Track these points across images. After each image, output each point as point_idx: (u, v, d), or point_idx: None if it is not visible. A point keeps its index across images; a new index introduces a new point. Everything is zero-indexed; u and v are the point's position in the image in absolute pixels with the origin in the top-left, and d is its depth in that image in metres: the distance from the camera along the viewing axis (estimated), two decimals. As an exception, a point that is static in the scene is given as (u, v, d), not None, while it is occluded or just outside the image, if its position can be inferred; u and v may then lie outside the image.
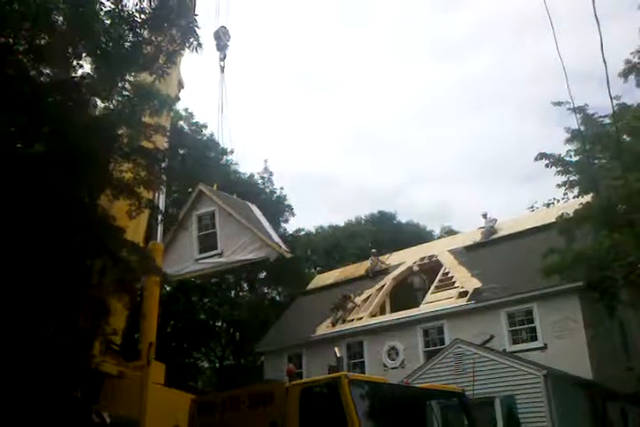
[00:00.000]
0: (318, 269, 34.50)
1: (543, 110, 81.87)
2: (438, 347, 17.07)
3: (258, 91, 77.66)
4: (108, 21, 9.17)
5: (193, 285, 26.15)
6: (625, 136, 13.18)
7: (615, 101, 12.43)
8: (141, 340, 12.59)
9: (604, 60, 7.12)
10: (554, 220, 14.73)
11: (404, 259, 22.19)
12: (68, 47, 9.12)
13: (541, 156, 13.92)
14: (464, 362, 14.33)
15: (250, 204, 18.75)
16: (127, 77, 9.93)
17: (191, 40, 9.35)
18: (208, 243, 16.62)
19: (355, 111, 76.77)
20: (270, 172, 31.66)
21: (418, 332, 18.18)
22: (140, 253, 10.95)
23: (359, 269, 23.83)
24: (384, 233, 36.47)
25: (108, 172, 9.95)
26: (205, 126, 29.16)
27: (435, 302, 18.40)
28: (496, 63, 76.24)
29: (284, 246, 16.30)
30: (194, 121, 29.13)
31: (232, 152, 28.48)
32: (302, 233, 35.10)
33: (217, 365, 31.75)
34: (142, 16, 9.13)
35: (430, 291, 19.11)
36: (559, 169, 13.81)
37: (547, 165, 13.89)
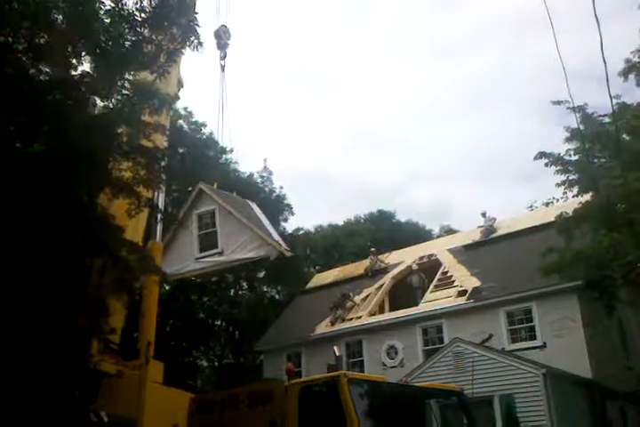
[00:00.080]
0: (317, 268, 34.51)
1: (543, 109, 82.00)
2: (437, 346, 17.08)
3: (257, 90, 77.71)
4: (107, 20, 9.16)
5: (192, 284, 26.13)
6: (624, 135, 13.18)
7: (615, 101, 12.46)
8: (140, 339, 12.58)
9: (604, 60, 7.13)
10: (553, 219, 14.74)
11: (404, 258, 22.20)
12: (67, 46, 9.11)
13: (541, 155, 13.93)
14: (463, 361, 14.34)
15: (250, 202, 18.72)
16: (127, 76, 9.93)
17: (192, 39, 9.34)
18: (208, 242, 16.59)
19: (354, 110, 76.85)
20: (270, 171, 31.69)
21: (417, 331, 18.20)
22: (140, 253, 10.95)
23: (358, 268, 23.84)
24: (383, 232, 36.49)
25: (108, 170, 9.95)
26: (205, 125, 29.19)
27: (434, 300, 18.42)
28: (496, 62, 76.33)
29: (284, 245, 16.27)
30: (193, 120, 29.15)
31: (231, 151, 28.49)
32: (301, 232, 35.11)
33: (216, 364, 31.76)
34: (142, 15, 9.13)
35: (429, 290, 19.13)
36: (558, 168, 13.82)
37: (546, 164, 13.90)
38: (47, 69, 9.55)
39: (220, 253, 16.29)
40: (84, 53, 9.40)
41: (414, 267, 20.87)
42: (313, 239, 36.98)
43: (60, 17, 9.16)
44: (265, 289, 32.80)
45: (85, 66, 9.53)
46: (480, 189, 67.53)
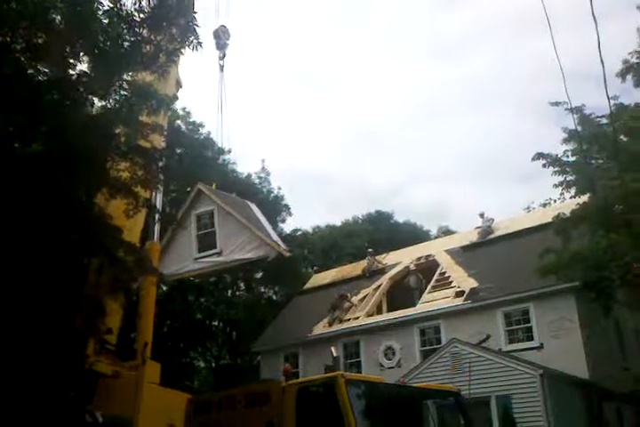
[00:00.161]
0: (315, 268, 34.50)
1: (541, 110, 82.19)
2: (435, 346, 17.09)
3: (255, 89, 77.71)
4: (106, 21, 9.15)
5: (190, 284, 26.10)
6: (622, 136, 13.21)
7: (613, 101, 12.46)
8: (137, 339, 12.57)
9: (602, 61, 7.13)
10: (550, 220, 14.75)
11: (401, 259, 22.21)
12: (65, 46, 9.10)
13: (538, 156, 13.95)
14: (460, 362, 14.35)
15: (249, 202, 18.72)
16: (125, 77, 9.92)
17: (191, 39, 9.34)
18: (207, 242, 16.58)
19: (353, 110, 76.90)
20: (267, 171, 31.71)
21: (414, 331, 18.21)
22: (137, 253, 10.94)
23: (356, 268, 23.84)
24: (381, 233, 36.51)
25: (106, 171, 9.94)
26: (203, 125, 29.19)
27: (431, 301, 18.43)
28: (495, 62, 76.46)
29: (282, 245, 16.28)
30: (191, 120, 29.13)
31: (229, 152, 28.49)
32: (299, 233, 35.11)
33: (213, 364, 31.72)
34: (141, 15, 9.12)
35: (427, 291, 19.14)
36: (556, 169, 13.83)
37: (544, 165, 13.91)
38: (45, 69, 9.54)
39: (219, 254, 16.29)
40: (82, 54, 9.39)
41: (412, 268, 20.88)
42: (311, 240, 36.98)
43: (59, 17, 9.16)
44: (262, 290, 32.78)
45: (83, 66, 9.53)
46: (478, 189, 67.71)
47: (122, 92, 9.81)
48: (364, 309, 20.16)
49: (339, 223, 40.77)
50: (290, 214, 31.48)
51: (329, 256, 36.25)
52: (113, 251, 10.14)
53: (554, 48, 7.82)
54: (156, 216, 13.01)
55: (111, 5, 9.00)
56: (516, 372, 13.98)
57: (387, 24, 77.68)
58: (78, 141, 8.83)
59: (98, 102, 10.27)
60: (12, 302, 8.99)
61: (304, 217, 42.24)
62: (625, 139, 13.27)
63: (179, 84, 15.32)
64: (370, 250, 24.24)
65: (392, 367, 18.02)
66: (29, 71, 9.40)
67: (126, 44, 9.22)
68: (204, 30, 11.01)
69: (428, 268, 20.56)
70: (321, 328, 20.50)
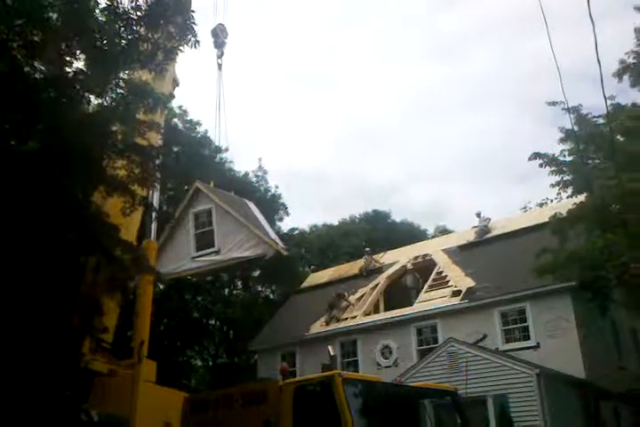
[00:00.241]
0: (312, 267, 34.50)
1: (539, 109, 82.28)
2: (432, 346, 17.11)
3: (253, 88, 77.65)
4: (102, 18, 9.13)
5: (187, 283, 26.07)
6: (619, 136, 13.23)
7: (609, 101, 12.51)
8: (134, 338, 12.55)
9: (599, 61, 7.16)
10: (547, 219, 14.78)
11: (398, 258, 22.22)
12: (61, 44, 9.07)
13: (535, 155, 13.97)
14: (457, 361, 14.36)
15: (247, 201, 18.68)
16: (121, 75, 9.90)
17: (189, 37, 9.32)
18: (205, 241, 16.53)
19: (350, 109, 76.92)
20: (265, 170, 31.67)
21: (411, 331, 18.22)
22: (134, 252, 10.92)
23: (353, 267, 23.85)
24: (378, 232, 36.51)
25: (102, 168, 9.91)
26: (200, 124, 29.12)
27: (428, 300, 18.45)
28: (494, 62, 76.53)
29: (280, 243, 16.24)
30: (188, 118, 29.07)
31: (227, 150, 28.43)
32: (296, 232, 35.10)
33: (210, 363, 31.70)
34: (138, 13, 9.09)
35: (424, 290, 19.15)
36: (553, 169, 13.85)
37: (541, 165, 13.93)
38: (42, 67, 9.51)
39: (217, 252, 16.24)
40: (78, 51, 9.36)
41: (409, 267, 20.90)
42: (308, 239, 36.97)
43: (55, 15, 9.13)
44: (259, 289, 32.77)
45: (80, 64, 9.50)
46: (475, 189, 67.78)
47: (118, 91, 9.78)
48: (361, 308, 20.17)
49: (336, 222, 40.82)
50: (287, 213, 31.49)
51: (326, 255, 36.25)
52: (110, 249, 10.12)
53: (551, 48, 7.86)
54: (153, 214, 12.98)
55: (108, 3, 8.97)
56: (512, 371, 14.00)
57: (386, 24, 77.77)
58: (75, 139, 8.81)
59: (94, 100, 10.26)
60: (8, 301, 8.96)
61: (301, 216, 42.42)
62: (622, 139, 13.30)
63: (175, 83, 15.29)
64: (367, 249, 24.23)
65: (389, 366, 18.03)
66: (26, 69, 9.37)
67: (123, 42, 9.19)
68: (202, 29, 10.99)
69: (425, 267, 20.58)
70: (318, 327, 20.50)
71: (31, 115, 8.80)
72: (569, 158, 14.01)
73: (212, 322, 31.43)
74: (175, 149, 23.43)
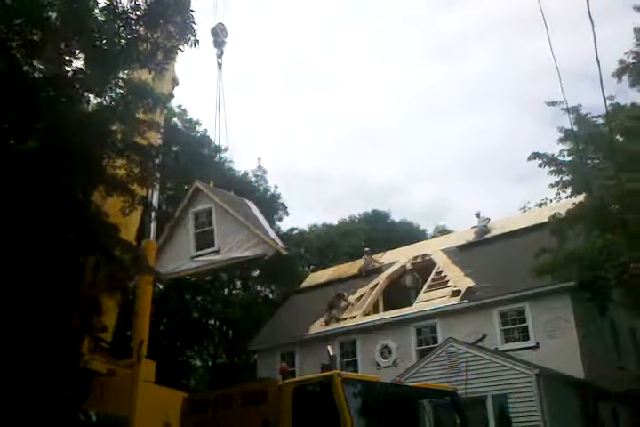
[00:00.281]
0: (312, 267, 34.50)
1: (539, 110, 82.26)
2: (431, 346, 17.11)
3: (252, 87, 77.64)
4: (102, 18, 9.12)
5: (186, 283, 26.07)
6: (618, 136, 13.23)
7: (609, 101, 12.50)
8: (134, 338, 12.54)
9: (598, 61, 7.16)
10: (546, 219, 14.79)
11: (398, 258, 22.22)
12: (61, 43, 9.07)
13: (535, 155, 13.97)
14: (457, 361, 14.37)
15: (247, 201, 18.67)
16: (121, 75, 9.89)
17: (188, 36, 9.31)
18: (205, 240, 16.52)
19: (350, 109, 76.93)
20: (264, 170, 31.67)
21: (411, 331, 18.22)
22: (133, 252, 10.91)
23: (352, 267, 23.85)
24: (378, 232, 36.51)
25: (102, 168, 9.91)
26: (199, 123, 29.10)
27: (428, 300, 18.45)
28: (494, 62, 76.54)
29: (280, 243, 16.22)
30: (187, 118, 29.05)
31: (226, 150, 28.40)
32: (296, 232, 35.11)
33: (210, 363, 31.70)
34: (137, 12, 9.08)
35: (423, 290, 19.15)
36: (552, 169, 13.86)
37: (540, 165, 13.94)
38: (41, 66, 9.50)
39: (217, 252, 16.23)
40: (78, 51, 9.36)
41: (408, 267, 20.90)
42: (307, 239, 36.98)
43: (54, 14, 9.13)
44: (259, 288, 32.77)
45: (79, 63, 9.50)
46: (474, 189, 67.78)
47: (118, 90, 9.77)
48: (360, 308, 20.17)
49: (335, 222, 40.83)
50: (287, 213, 31.49)
51: (325, 255, 36.26)
52: (109, 249, 10.11)
53: (550, 48, 7.86)
54: (153, 214, 12.97)
55: (107, 3, 8.97)
56: (511, 371, 14.00)
57: (386, 24, 77.79)
58: (74, 139, 8.80)
59: (94, 100, 10.25)
60: (7, 300, 8.95)
61: (301, 216, 42.39)
62: (621, 139, 13.30)
63: (175, 82, 15.28)
64: (367, 249, 24.24)
65: (388, 367, 18.03)
66: (25, 68, 9.36)
67: (122, 41, 9.18)
68: (202, 28, 10.98)
69: (424, 267, 20.58)
70: (317, 327, 20.50)
71: (30, 114, 8.79)
72: (568, 158, 14.02)
73: (212, 322, 31.43)
74: (175, 149, 23.43)
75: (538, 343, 15.75)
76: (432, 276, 19.55)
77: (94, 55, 9.08)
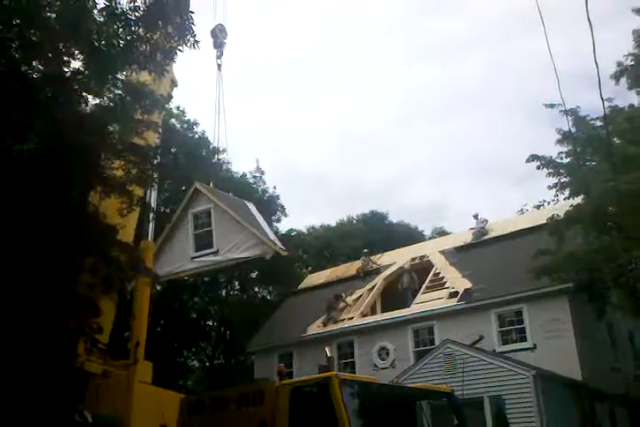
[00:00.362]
0: (309, 268, 34.50)
1: (537, 112, 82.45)
2: (428, 347, 17.11)
3: (249, 88, 77.65)
4: (100, 19, 9.12)
5: (184, 284, 26.06)
6: (616, 139, 13.25)
7: (607, 104, 12.50)
8: (131, 339, 12.54)
9: (596, 63, 7.15)
10: (544, 221, 14.80)
11: (396, 259, 22.22)
12: (59, 43, 9.07)
13: (533, 157, 13.99)
14: (454, 362, 14.36)
15: (246, 202, 18.68)
16: (119, 76, 9.89)
17: (187, 37, 9.31)
18: (204, 241, 16.52)
19: (347, 110, 76.93)
20: (262, 171, 31.66)
21: (408, 332, 18.22)
22: (130, 253, 10.91)
23: (350, 269, 23.84)
24: (376, 233, 36.52)
25: (100, 169, 9.91)
26: (197, 124, 29.07)
27: (425, 302, 18.45)
28: (490, 64, 76.62)
29: (279, 244, 16.22)
30: (185, 118, 29.01)
31: (224, 151, 28.36)
32: (294, 233, 35.10)
33: (207, 364, 31.68)
34: (136, 13, 9.08)
35: (421, 291, 19.15)
36: (550, 171, 13.88)
37: (538, 167, 13.95)
38: (39, 67, 9.50)
39: (216, 253, 16.23)
40: (76, 52, 9.36)
41: (406, 268, 20.89)
42: (305, 240, 36.98)
43: (53, 15, 9.13)
44: (257, 290, 32.73)
45: (77, 63, 9.50)
46: (472, 190, 67.84)
47: (116, 91, 9.77)
48: (358, 309, 20.16)
49: (333, 223, 40.84)
50: (285, 214, 31.47)
51: (323, 256, 36.26)
52: (106, 250, 10.11)
53: (548, 50, 7.86)
54: (151, 215, 12.98)
55: (106, 3, 8.97)
56: (509, 373, 14.01)
57: (382, 25, 77.84)
58: (72, 139, 8.80)
59: (92, 100, 10.25)
60: (3, 301, 8.94)
61: (299, 217, 42.34)
62: (619, 141, 13.32)
63: (174, 83, 15.29)
64: (365, 250, 24.22)
65: (386, 368, 18.03)
66: (23, 68, 9.36)
67: (121, 42, 9.18)
68: (202, 29, 10.99)
69: (422, 268, 20.58)
70: (315, 328, 20.49)
71: (29, 114, 8.78)
72: (566, 160, 14.04)
73: (210, 323, 31.41)
74: (173, 150, 23.44)
75: (535, 345, 15.76)
76: (430, 277, 19.55)
77: (93, 56, 9.08)
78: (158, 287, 23.01)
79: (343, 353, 19.43)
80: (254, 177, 31.29)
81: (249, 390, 8.38)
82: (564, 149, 14.04)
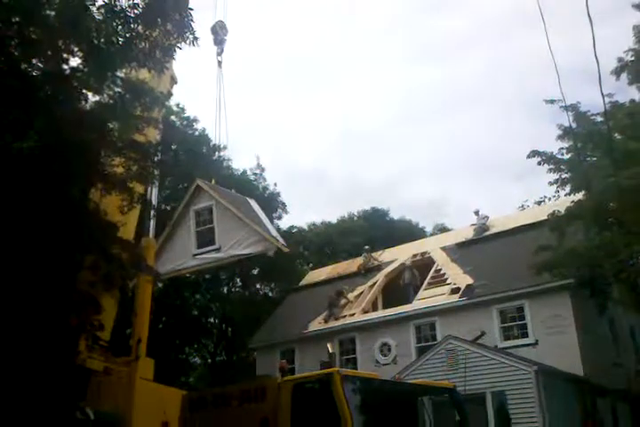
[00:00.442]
0: (311, 265, 34.50)
1: (538, 108, 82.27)
2: (430, 343, 17.12)
3: (249, 86, 77.53)
4: (99, 17, 9.11)
5: (185, 281, 26.08)
6: (616, 134, 13.22)
7: (607, 99, 12.48)
8: (133, 336, 12.56)
9: (597, 59, 7.14)
10: (545, 217, 14.79)
11: (397, 256, 22.22)
12: (58, 41, 9.06)
13: (534, 153, 13.96)
14: (456, 358, 14.37)
15: (248, 198, 18.67)
16: (119, 73, 9.88)
17: (187, 34, 9.29)
18: (206, 238, 16.52)
19: (347, 107, 76.83)
20: (263, 168, 31.63)
21: (410, 328, 18.23)
22: (132, 250, 10.91)
23: (352, 265, 23.86)
24: (377, 230, 36.50)
25: (100, 166, 9.91)
26: (197, 121, 29.03)
27: (427, 298, 18.46)
28: (490, 61, 76.43)
29: (281, 240, 16.22)
30: (185, 115, 28.97)
31: (225, 148, 28.33)
32: (295, 230, 35.09)
33: (209, 361, 31.73)
34: (135, 11, 9.06)
35: (422, 287, 19.16)
36: (551, 167, 13.86)
37: (539, 163, 13.93)
38: (39, 64, 9.50)
39: (218, 250, 16.23)
40: (76, 49, 9.35)
41: (408, 264, 20.89)
42: (306, 237, 36.97)
43: (52, 13, 9.12)
44: (258, 286, 32.77)
45: (77, 61, 9.48)
46: (473, 187, 67.77)
47: (116, 89, 9.77)
48: (359, 305, 20.18)
49: (334, 220, 40.82)
50: (286, 211, 31.47)
51: (324, 253, 36.25)
52: (107, 248, 10.11)
53: (548, 45, 7.85)
54: (152, 212, 12.98)
55: (105, 1, 8.95)
56: (510, 368, 14.02)
57: (385, 22, 77.64)
58: (72, 137, 8.80)
59: (92, 98, 10.24)
60: (4, 298, 8.95)
61: (300, 214, 42.32)
62: (619, 137, 13.29)
63: (173, 81, 15.27)
64: (366, 247, 24.23)
65: (388, 364, 18.05)
66: (23, 66, 9.35)
67: (120, 39, 9.16)
68: (203, 26, 10.97)
69: (423, 265, 20.58)
70: (317, 325, 20.51)
71: (28, 112, 8.78)
72: (567, 156, 14.01)
73: (211, 320, 31.44)
74: (173, 147, 23.41)
75: (537, 340, 15.77)
76: (431, 273, 19.56)
77: (92, 54, 9.07)
78: (160, 285, 23.05)
79: (345, 349, 19.45)
80: (255, 174, 31.30)
81: (251, 387, 8.40)
82: (565, 144, 14.02)
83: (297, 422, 7.33)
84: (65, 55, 9.30)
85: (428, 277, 19.49)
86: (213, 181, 17.77)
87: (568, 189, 13.83)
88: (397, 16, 78.70)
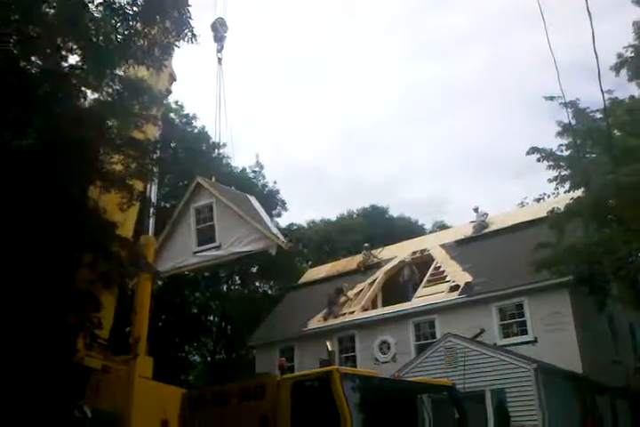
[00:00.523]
0: (310, 263, 34.51)
1: (537, 104, 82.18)
2: (430, 341, 17.12)
3: (249, 84, 77.43)
4: (98, 14, 9.09)
5: (185, 279, 26.08)
6: (616, 131, 13.20)
7: (607, 95, 12.44)
8: (132, 334, 12.55)
9: (596, 55, 7.12)
10: (544, 214, 14.78)
11: (396, 253, 22.22)
12: (57, 39, 9.03)
13: (533, 150, 13.94)
14: (455, 356, 14.37)
15: (249, 196, 18.65)
16: (117, 71, 9.86)
17: (185, 31, 9.27)
18: (206, 235, 16.49)
19: (347, 105, 76.76)
20: (262, 165, 31.61)
21: (409, 326, 18.23)
22: (131, 248, 10.90)
23: (351, 263, 23.85)
24: (376, 227, 36.49)
25: (99, 163, 9.90)
26: (196, 118, 28.98)
27: (426, 296, 18.46)
28: (489, 59, 76.32)
29: (282, 238, 16.20)
30: (184, 113, 28.92)
31: (224, 145, 28.33)
32: (294, 227, 35.07)
33: (209, 359, 31.75)
34: (134, 8, 9.05)
35: (422, 285, 19.16)
36: (550, 163, 13.84)
37: (538, 160, 13.91)
38: (38, 62, 9.47)
39: (218, 247, 16.21)
40: (74, 47, 9.33)
41: (407, 262, 20.89)
42: (306, 234, 36.96)
43: (51, 10, 9.09)
44: (257, 284, 32.77)
45: (76, 58, 9.47)
46: (472, 184, 67.77)
47: (114, 86, 9.75)
48: (359, 303, 20.18)
49: (334, 218, 40.81)
50: (285, 209, 31.45)
51: (324, 251, 36.24)
52: (106, 245, 10.10)
53: (547, 42, 7.83)
54: (151, 210, 12.97)
55: (105, -2, 8.94)
56: (510, 366, 14.02)
57: (384, 21, 77.51)
58: (71, 134, 8.78)
59: (90, 95, 10.22)
60: (3, 296, 8.94)
61: (299, 212, 42.34)
62: (619, 133, 13.27)
63: (172, 78, 15.25)
64: (365, 244, 24.21)
65: (387, 362, 18.05)
66: (22, 64, 9.33)
67: (119, 37, 9.15)
68: (202, 24, 10.95)
69: (423, 262, 20.58)
70: (316, 322, 20.51)
71: (27, 110, 8.76)
72: (566, 153, 14.00)
73: (211, 318, 31.44)
74: (173, 145, 23.38)
75: (536, 338, 15.78)
76: (430, 271, 19.55)
77: (91, 51, 9.05)
78: (159, 283, 23.04)
79: (344, 347, 19.46)
80: (254, 172, 31.28)
81: (250, 385, 8.40)
82: (564, 141, 14.00)
83: (296, 420, 7.33)
84: (64, 53, 9.29)
85: (428, 274, 19.49)
86: (214, 179, 17.74)
87: (567, 186, 13.83)
88: (397, 14, 78.65)
